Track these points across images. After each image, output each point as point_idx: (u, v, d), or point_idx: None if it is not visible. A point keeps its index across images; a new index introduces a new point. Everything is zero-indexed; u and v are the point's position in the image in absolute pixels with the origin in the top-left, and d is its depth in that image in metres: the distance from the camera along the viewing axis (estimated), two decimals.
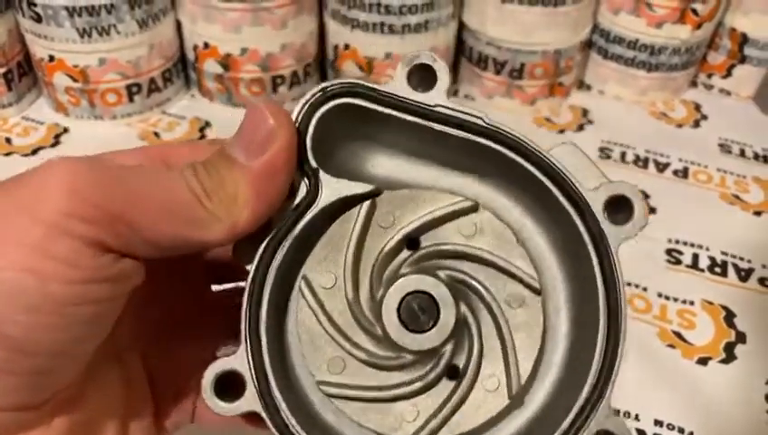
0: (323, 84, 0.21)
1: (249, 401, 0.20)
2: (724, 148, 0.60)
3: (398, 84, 0.21)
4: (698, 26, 0.61)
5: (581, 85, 0.67)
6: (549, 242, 0.22)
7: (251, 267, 0.20)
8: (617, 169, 0.57)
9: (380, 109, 0.21)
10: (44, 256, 0.16)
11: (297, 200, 0.21)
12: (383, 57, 0.59)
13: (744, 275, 0.47)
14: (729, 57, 0.65)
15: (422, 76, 0.21)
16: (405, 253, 0.22)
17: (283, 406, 0.20)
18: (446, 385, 0.21)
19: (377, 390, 0.21)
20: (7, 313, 0.16)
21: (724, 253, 0.49)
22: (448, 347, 0.21)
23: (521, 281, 0.21)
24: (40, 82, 0.60)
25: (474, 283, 0.21)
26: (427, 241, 0.22)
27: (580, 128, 0.62)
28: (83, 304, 0.17)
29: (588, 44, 0.65)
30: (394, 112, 0.21)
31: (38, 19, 0.53)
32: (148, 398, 0.23)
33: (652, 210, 0.53)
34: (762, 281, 0.47)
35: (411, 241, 0.22)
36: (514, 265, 0.21)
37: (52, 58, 0.55)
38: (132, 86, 0.58)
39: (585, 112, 0.64)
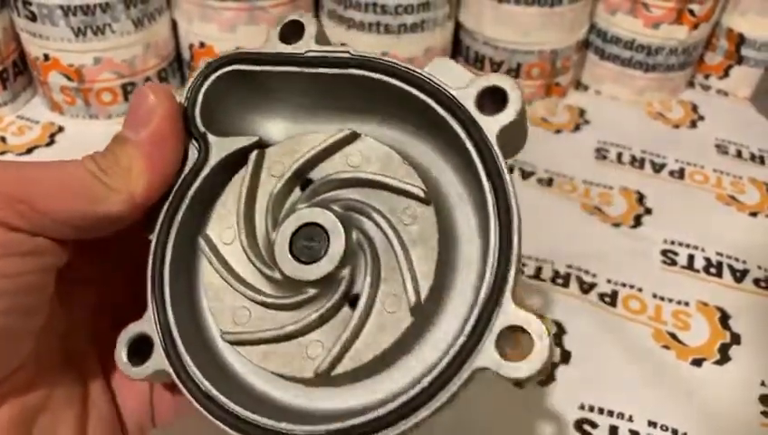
0: (208, 59, 0.23)
1: (157, 360, 0.21)
2: (721, 148, 0.60)
3: (271, 44, 0.22)
4: (695, 27, 0.61)
5: (578, 85, 0.67)
6: (439, 155, 0.22)
7: (153, 236, 0.22)
8: (613, 170, 0.57)
9: (258, 68, 0.22)
10: None
11: (190, 165, 0.22)
12: None
13: (740, 276, 0.47)
14: (726, 58, 0.65)
15: (294, 31, 0.22)
16: (297, 193, 0.22)
17: (189, 361, 0.21)
18: (347, 313, 0.21)
19: (278, 330, 0.21)
20: None
21: (719, 254, 0.49)
22: (345, 274, 0.21)
23: (411, 196, 0.21)
24: (35, 82, 0.60)
25: (365, 207, 0.21)
26: (316, 177, 0.22)
27: (577, 128, 0.62)
28: (4, 277, 0.18)
29: (585, 45, 0.64)
30: (269, 67, 0.22)
31: (33, 18, 0.53)
32: (108, 400, 0.23)
33: (648, 211, 0.53)
34: (757, 282, 0.47)
35: (303, 183, 0.22)
36: (402, 182, 0.21)
37: (47, 57, 0.55)
38: (128, 85, 0.57)
39: (582, 112, 0.64)
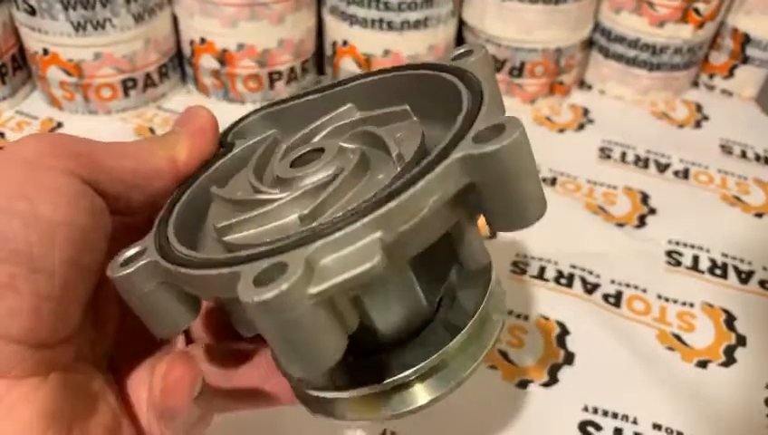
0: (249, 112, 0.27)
1: (149, 252, 0.21)
2: (726, 149, 0.60)
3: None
4: (700, 26, 0.60)
5: (582, 84, 0.67)
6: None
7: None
8: (617, 169, 0.56)
9: (285, 105, 0.27)
10: (31, 185, 0.20)
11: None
12: (382, 54, 0.58)
13: (745, 277, 0.47)
14: (731, 57, 0.65)
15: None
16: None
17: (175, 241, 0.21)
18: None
19: (269, 205, 0.21)
20: (10, 227, 0.19)
21: (724, 255, 0.48)
22: (332, 160, 0.22)
23: (401, 118, 0.23)
24: (34, 77, 0.59)
25: (362, 128, 0.23)
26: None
27: (581, 127, 0.61)
28: (70, 224, 0.20)
29: (589, 43, 0.64)
30: (293, 102, 0.26)
31: (32, 12, 0.53)
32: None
33: (652, 211, 0.52)
34: (762, 283, 0.46)
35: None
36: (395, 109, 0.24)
37: (46, 52, 0.55)
38: (127, 81, 0.57)
39: (586, 112, 0.63)
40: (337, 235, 0.17)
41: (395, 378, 0.22)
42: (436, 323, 0.23)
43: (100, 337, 0.25)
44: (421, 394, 0.22)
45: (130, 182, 0.23)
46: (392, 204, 0.17)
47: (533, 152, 0.19)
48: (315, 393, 0.23)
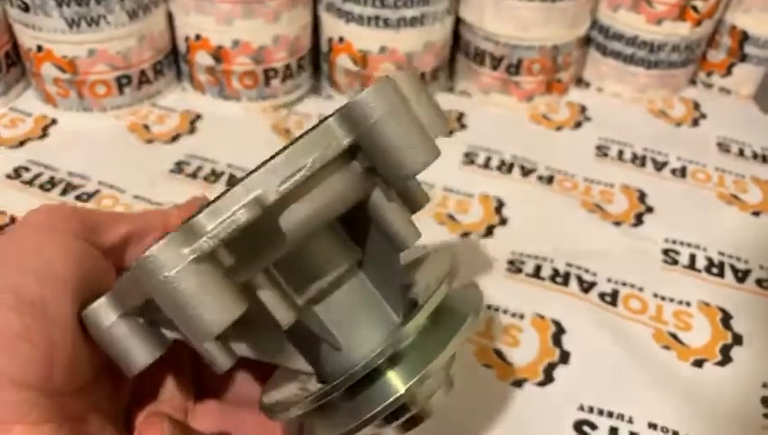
0: None
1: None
2: (723, 147, 0.59)
3: None
4: (698, 23, 0.60)
5: (580, 82, 0.66)
6: None
7: None
8: (614, 167, 0.56)
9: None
10: (44, 245, 0.22)
11: None
12: (378, 51, 0.58)
13: (742, 276, 0.47)
14: (729, 55, 0.64)
15: None
16: None
17: None
18: None
19: None
20: (25, 281, 0.21)
21: (721, 253, 0.48)
22: None
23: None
24: (28, 73, 0.59)
25: None
26: None
27: (578, 125, 0.61)
28: (79, 279, 0.22)
29: (586, 41, 0.64)
30: None
31: (26, 8, 0.52)
32: None
33: (649, 209, 0.52)
34: (759, 282, 0.46)
35: None
36: None
37: (40, 48, 0.54)
38: (122, 78, 0.57)
39: (583, 109, 0.63)
40: (219, 201, 0.19)
41: (362, 364, 0.21)
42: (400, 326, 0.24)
43: (117, 392, 0.25)
44: (395, 382, 0.22)
45: (127, 240, 0.25)
46: (269, 163, 0.19)
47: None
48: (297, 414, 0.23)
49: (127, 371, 0.22)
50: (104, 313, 0.22)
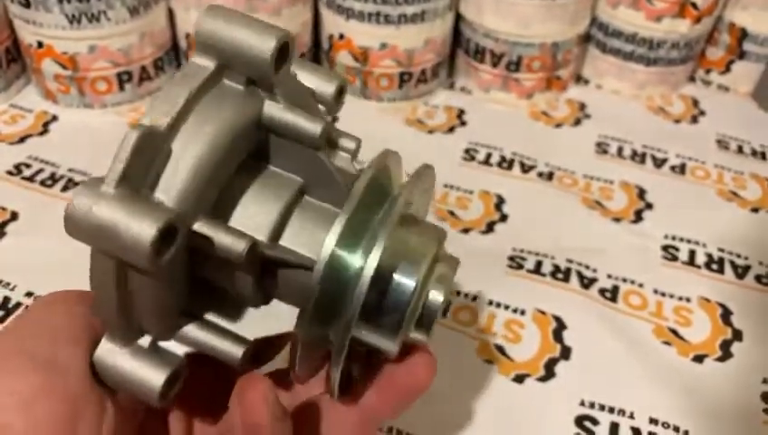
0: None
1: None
2: (722, 144, 0.60)
3: None
4: (698, 20, 0.60)
5: (579, 79, 0.67)
6: None
7: None
8: (614, 164, 0.56)
9: None
10: (53, 308, 0.23)
11: None
12: (378, 47, 0.58)
13: (741, 272, 0.47)
14: (728, 52, 0.65)
15: None
16: None
17: None
18: None
19: None
20: (39, 344, 0.22)
21: (720, 249, 0.48)
22: None
23: None
24: (28, 69, 0.59)
25: None
26: None
27: (578, 122, 0.61)
28: (87, 332, 0.23)
29: (586, 38, 0.64)
30: None
31: (27, 4, 0.52)
32: None
33: (649, 206, 0.52)
34: (758, 278, 0.46)
35: None
36: None
37: (40, 44, 0.54)
38: (123, 74, 0.57)
39: (582, 106, 0.63)
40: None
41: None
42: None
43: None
44: (357, 262, 0.22)
45: None
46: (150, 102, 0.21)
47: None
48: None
49: (152, 400, 0.22)
50: (107, 353, 0.22)
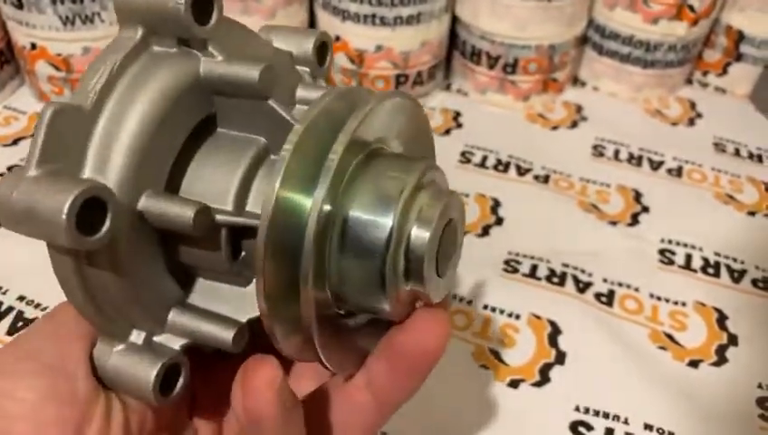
0: None
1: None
2: (719, 147, 0.59)
3: None
4: (695, 23, 0.60)
5: (576, 81, 0.66)
6: None
7: None
8: (610, 167, 0.56)
9: None
10: (58, 313, 0.23)
11: None
12: (374, 50, 0.57)
13: (738, 276, 0.47)
14: (725, 55, 0.64)
15: None
16: None
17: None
18: None
19: None
20: (43, 346, 0.22)
21: (717, 253, 0.48)
22: None
23: None
24: (22, 71, 0.59)
25: None
26: None
27: (574, 124, 0.61)
28: (91, 334, 0.22)
29: (583, 40, 0.64)
30: None
31: (20, 5, 0.52)
32: None
33: (645, 209, 0.52)
34: (755, 283, 0.46)
35: None
36: None
37: (34, 46, 0.54)
38: None
39: (579, 109, 0.63)
40: None
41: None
42: None
43: None
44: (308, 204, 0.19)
45: None
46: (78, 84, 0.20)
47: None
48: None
49: (148, 399, 0.21)
50: (102, 352, 0.22)
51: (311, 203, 0.19)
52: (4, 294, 0.42)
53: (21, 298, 0.42)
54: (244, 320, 0.22)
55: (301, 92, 0.23)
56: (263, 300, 0.19)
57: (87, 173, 0.19)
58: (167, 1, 0.19)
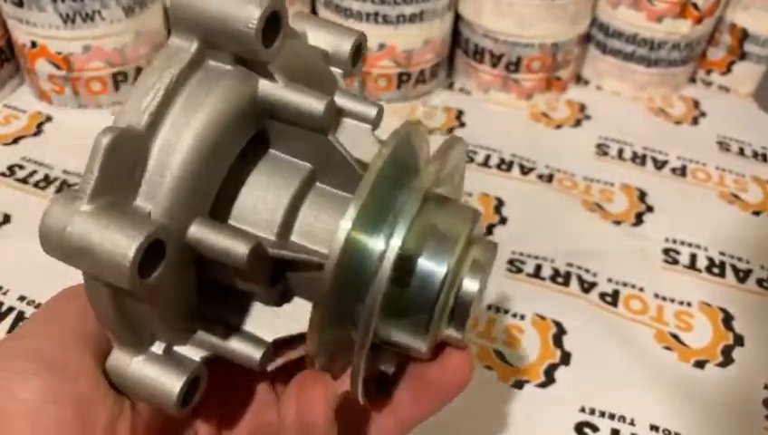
0: None
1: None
2: (723, 145, 0.59)
3: None
4: (699, 21, 0.60)
5: (579, 80, 0.66)
6: None
7: None
8: (614, 166, 0.56)
9: None
10: (61, 309, 0.23)
11: None
12: (377, 48, 0.57)
13: (743, 276, 0.46)
14: (729, 53, 0.64)
15: None
16: None
17: None
18: None
19: None
20: (45, 346, 0.21)
21: (722, 253, 0.48)
22: None
23: None
24: (22, 70, 0.58)
25: None
26: None
27: (578, 123, 0.61)
28: (95, 333, 0.22)
29: (586, 38, 0.63)
30: None
31: (20, 3, 0.52)
32: None
33: (649, 208, 0.52)
34: (760, 282, 0.46)
35: None
36: None
37: (34, 44, 0.54)
38: (118, 75, 0.56)
39: (582, 108, 0.63)
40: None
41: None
42: None
43: None
44: (379, 247, 0.20)
45: None
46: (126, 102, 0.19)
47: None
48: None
49: (169, 408, 0.21)
50: (119, 361, 0.21)
51: (380, 247, 0.20)
52: (4, 294, 0.41)
53: (21, 298, 0.41)
54: (270, 339, 0.22)
55: (339, 100, 0.22)
56: (315, 333, 0.20)
57: (139, 200, 0.18)
58: (236, 20, 0.18)
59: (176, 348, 0.22)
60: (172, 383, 0.20)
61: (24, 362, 0.21)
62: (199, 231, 0.19)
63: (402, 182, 0.21)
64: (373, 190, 0.19)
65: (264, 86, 0.20)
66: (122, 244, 0.16)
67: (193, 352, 0.22)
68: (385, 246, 0.19)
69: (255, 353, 0.21)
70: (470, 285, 0.21)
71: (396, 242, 0.19)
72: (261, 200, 0.21)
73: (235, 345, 0.21)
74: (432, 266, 0.20)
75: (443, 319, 0.21)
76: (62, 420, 0.20)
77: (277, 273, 0.21)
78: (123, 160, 0.18)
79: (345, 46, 0.22)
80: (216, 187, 0.20)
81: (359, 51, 0.23)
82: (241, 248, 0.19)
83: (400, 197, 0.20)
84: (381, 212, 0.20)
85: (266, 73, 0.20)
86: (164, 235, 0.17)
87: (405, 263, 0.20)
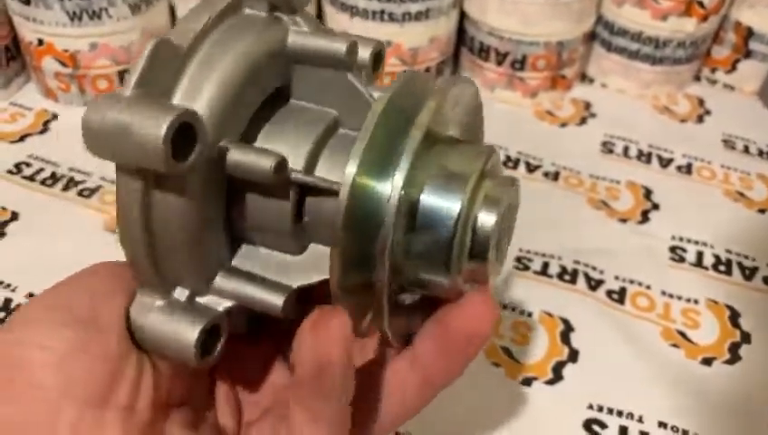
0: None
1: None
2: (728, 143, 0.59)
3: None
4: (704, 19, 0.60)
5: (584, 78, 0.66)
6: None
7: None
8: (620, 164, 0.56)
9: None
10: (96, 266, 0.23)
11: None
12: None
13: (749, 273, 0.46)
14: (734, 51, 0.64)
15: None
16: None
17: None
18: None
19: None
20: (77, 298, 0.21)
21: (728, 251, 0.48)
22: None
23: None
24: (28, 67, 0.58)
25: None
26: None
27: (583, 121, 0.61)
28: (127, 291, 0.22)
29: (591, 36, 0.63)
30: None
31: (27, 1, 0.52)
32: None
33: (655, 206, 0.52)
34: (766, 280, 0.46)
35: None
36: None
37: (40, 42, 0.54)
38: (124, 72, 0.56)
39: (587, 106, 0.63)
40: None
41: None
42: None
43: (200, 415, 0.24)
44: (387, 189, 0.20)
45: None
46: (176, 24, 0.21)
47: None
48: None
49: (188, 358, 0.21)
50: (141, 308, 0.21)
51: (390, 181, 0.20)
52: (12, 291, 0.42)
53: (30, 295, 0.41)
54: (295, 286, 0.22)
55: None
56: (338, 267, 0.20)
57: (181, 102, 0.20)
58: None
59: (198, 299, 0.22)
60: (190, 330, 0.21)
61: (53, 312, 0.20)
62: (228, 144, 0.20)
63: (408, 123, 0.21)
64: (376, 132, 0.20)
65: (294, 33, 0.22)
66: (155, 122, 0.17)
67: (215, 302, 0.22)
68: (392, 181, 0.20)
69: (278, 300, 0.22)
70: (486, 218, 0.21)
71: (398, 181, 0.20)
72: (288, 136, 0.22)
73: (258, 292, 0.22)
74: (444, 204, 0.21)
75: (463, 254, 0.21)
76: (91, 371, 0.20)
77: (299, 211, 0.22)
78: (165, 66, 0.19)
79: (364, 54, 0.24)
80: (245, 118, 0.21)
81: (378, 59, 0.25)
82: (267, 162, 0.20)
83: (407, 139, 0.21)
84: (388, 154, 0.20)
85: (295, 21, 0.22)
86: (197, 121, 0.18)
87: (413, 201, 0.20)
